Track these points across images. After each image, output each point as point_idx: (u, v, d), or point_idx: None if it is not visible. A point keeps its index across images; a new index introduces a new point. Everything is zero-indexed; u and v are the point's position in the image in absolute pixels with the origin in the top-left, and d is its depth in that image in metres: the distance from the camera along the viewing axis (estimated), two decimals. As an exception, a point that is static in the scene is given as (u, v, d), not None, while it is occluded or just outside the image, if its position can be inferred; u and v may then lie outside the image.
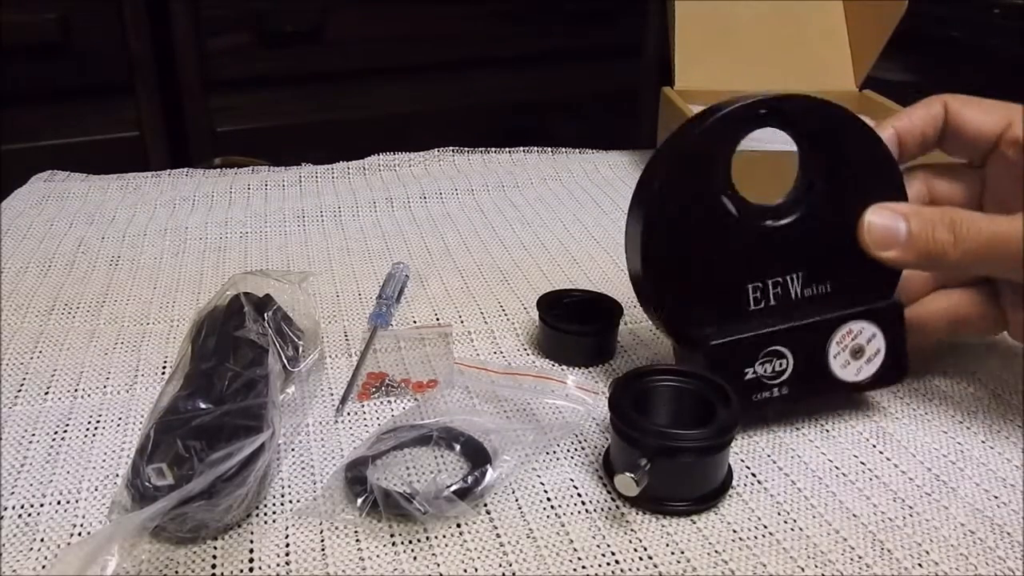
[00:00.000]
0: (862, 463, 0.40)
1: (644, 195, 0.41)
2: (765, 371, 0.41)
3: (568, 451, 0.41)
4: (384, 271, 0.58)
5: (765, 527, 0.37)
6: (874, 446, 0.42)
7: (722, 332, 0.40)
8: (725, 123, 0.39)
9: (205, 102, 1.31)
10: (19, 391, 0.45)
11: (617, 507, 0.38)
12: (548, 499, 0.38)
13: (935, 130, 0.43)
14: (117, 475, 0.39)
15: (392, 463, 0.40)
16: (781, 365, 0.41)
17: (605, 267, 0.61)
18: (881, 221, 0.39)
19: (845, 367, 0.41)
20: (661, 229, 0.40)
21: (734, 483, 0.39)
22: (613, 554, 0.35)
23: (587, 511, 0.37)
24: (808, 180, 0.41)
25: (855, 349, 0.41)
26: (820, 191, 0.41)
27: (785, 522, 0.37)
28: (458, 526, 0.36)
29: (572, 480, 0.39)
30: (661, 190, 0.40)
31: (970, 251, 0.38)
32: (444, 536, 0.36)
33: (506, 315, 0.54)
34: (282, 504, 0.37)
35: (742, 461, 0.40)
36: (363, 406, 0.45)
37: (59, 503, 0.37)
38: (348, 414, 0.44)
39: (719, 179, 0.40)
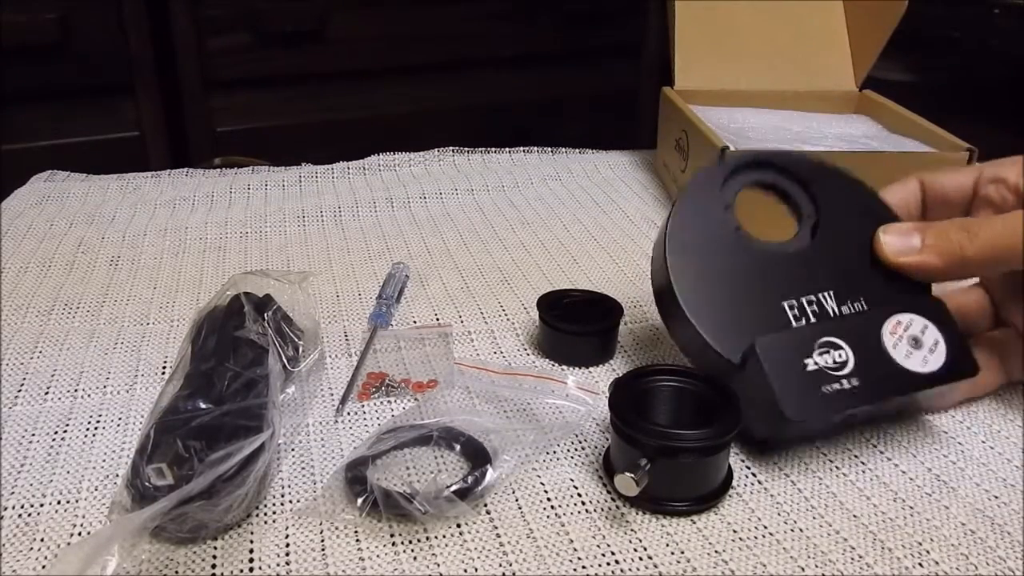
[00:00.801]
0: (862, 463, 0.40)
1: (662, 233, 0.43)
2: (826, 362, 0.39)
3: (568, 451, 0.41)
4: (384, 271, 0.58)
5: (765, 527, 0.37)
6: (874, 446, 0.42)
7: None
8: (708, 175, 0.44)
9: (205, 102, 1.31)
10: (19, 391, 0.45)
11: (617, 507, 0.38)
12: (548, 499, 0.38)
13: (916, 204, 0.46)
14: (117, 475, 0.39)
15: (392, 463, 0.40)
16: (841, 356, 0.39)
17: (605, 267, 0.61)
18: (895, 238, 0.41)
19: (909, 357, 0.40)
20: (683, 262, 0.42)
21: (734, 483, 0.39)
22: (613, 554, 0.35)
23: (587, 511, 0.37)
24: (803, 224, 0.44)
25: (912, 339, 0.40)
26: (818, 230, 0.43)
27: (785, 522, 0.37)
28: (458, 526, 0.36)
29: (572, 480, 0.39)
30: (673, 224, 0.43)
31: (987, 243, 0.39)
32: (444, 536, 0.36)
33: (506, 315, 0.54)
34: (282, 504, 0.37)
35: (742, 461, 0.40)
36: (363, 406, 0.45)
37: (59, 503, 0.37)
38: (348, 414, 0.44)
39: (730, 218, 0.43)
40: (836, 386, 0.39)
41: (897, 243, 0.41)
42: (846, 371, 0.39)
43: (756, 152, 0.45)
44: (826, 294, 0.41)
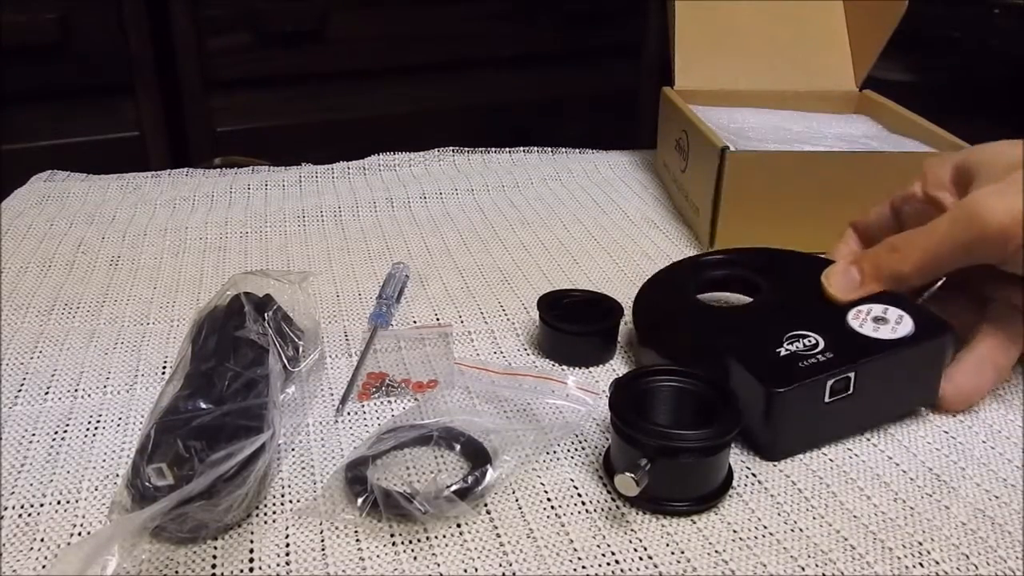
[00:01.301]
0: (863, 462, 0.40)
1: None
2: (796, 348, 0.41)
3: (568, 451, 0.41)
4: (384, 271, 0.58)
5: (765, 527, 0.37)
6: (875, 445, 0.42)
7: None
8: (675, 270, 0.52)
9: (205, 102, 1.31)
10: (19, 391, 0.45)
11: (617, 507, 0.38)
12: (548, 499, 0.38)
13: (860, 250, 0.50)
14: (117, 475, 0.39)
15: (392, 463, 0.40)
16: (809, 341, 0.41)
17: (605, 267, 0.61)
18: (837, 279, 0.44)
19: (877, 331, 0.41)
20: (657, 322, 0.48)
21: (734, 483, 0.39)
22: (613, 554, 0.35)
23: (587, 511, 0.37)
24: (757, 295, 0.48)
25: (875, 318, 0.42)
26: (771, 293, 0.47)
27: (785, 522, 0.37)
28: (458, 526, 0.36)
29: (572, 480, 0.39)
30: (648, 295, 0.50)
31: (916, 258, 0.42)
32: (444, 536, 0.36)
33: (506, 315, 0.54)
34: (282, 504, 0.37)
35: (742, 461, 0.40)
36: (363, 406, 0.45)
37: (59, 503, 0.37)
38: (348, 414, 0.44)
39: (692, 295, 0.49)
40: (811, 360, 0.40)
41: (840, 282, 0.44)
42: (818, 350, 0.40)
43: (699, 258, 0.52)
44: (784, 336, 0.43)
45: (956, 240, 0.41)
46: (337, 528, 0.36)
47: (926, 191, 0.45)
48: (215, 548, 0.35)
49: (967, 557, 0.35)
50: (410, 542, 0.35)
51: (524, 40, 1.48)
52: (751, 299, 0.48)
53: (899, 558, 0.35)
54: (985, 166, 0.42)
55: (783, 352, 0.40)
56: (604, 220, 0.70)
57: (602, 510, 0.37)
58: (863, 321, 0.42)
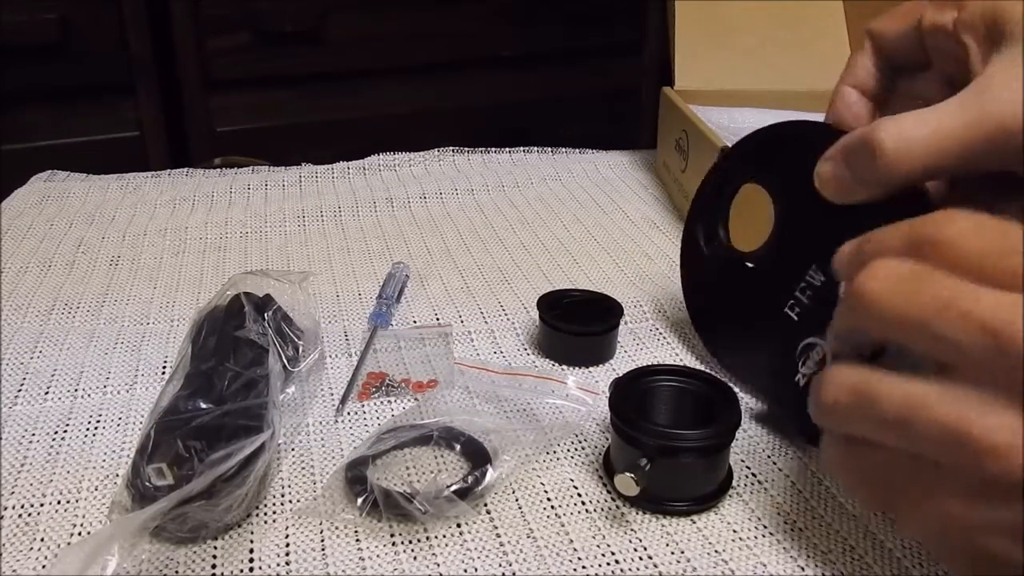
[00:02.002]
0: (862, 463, 0.41)
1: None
2: (811, 367, 0.41)
3: (568, 451, 0.41)
4: (384, 271, 0.58)
5: (765, 527, 0.37)
6: (874, 446, 0.42)
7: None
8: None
9: (205, 102, 1.31)
10: (19, 391, 0.45)
11: (617, 507, 0.38)
12: (548, 499, 0.38)
13: (872, 76, 0.40)
14: (117, 475, 0.39)
15: (392, 463, 0.40)
16: (819, 352, 0.41)
17: (605, 267, 0.61)
18: (828, 182, 0.36)
19: None
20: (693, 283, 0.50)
21: (734, 483, 0.39)
22: (613, 554, 0.35)
23: (587, 511, 0.37)
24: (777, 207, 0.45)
25: None
26: (786, 208, 0.44)
27: (785, 522, 0.37)
28: (458, 526, 0.36)
29: (572, 480, 0.39)
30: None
31: (910, 154, 0.33)
32: (444, 536, 0.36)
33: (506, 315, 0.54)
34: (282, 504, 0.37)
35: (742, 461, 0.40)
36: (363, 406, 0.45)
37: (59, 503, 0.37)
38: (348, 414, 0.44)
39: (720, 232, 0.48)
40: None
41: (831, 186, 0.36)
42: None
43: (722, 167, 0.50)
44: (811, 272, 0.42)
45: (965, 134, 0.32)
46: (337, 528, 0.36)
47: (957, 28, 0.35)
48: (215, 548, 0.35)
49: (967, 557, 0.35)
50: (410, 542, 0.35)
51: (524, 40, 1.48)
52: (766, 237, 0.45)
53: (898, 559, 0.35)
54: (1018, 26, 0.33)
55: (802, 380, 0.41)
56: (604, 220, 0.70)
57: (602, 510, 0.37)
58: None
